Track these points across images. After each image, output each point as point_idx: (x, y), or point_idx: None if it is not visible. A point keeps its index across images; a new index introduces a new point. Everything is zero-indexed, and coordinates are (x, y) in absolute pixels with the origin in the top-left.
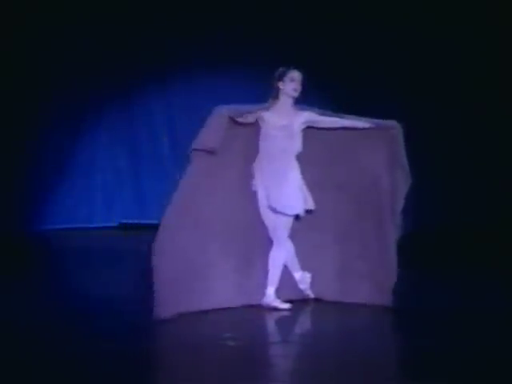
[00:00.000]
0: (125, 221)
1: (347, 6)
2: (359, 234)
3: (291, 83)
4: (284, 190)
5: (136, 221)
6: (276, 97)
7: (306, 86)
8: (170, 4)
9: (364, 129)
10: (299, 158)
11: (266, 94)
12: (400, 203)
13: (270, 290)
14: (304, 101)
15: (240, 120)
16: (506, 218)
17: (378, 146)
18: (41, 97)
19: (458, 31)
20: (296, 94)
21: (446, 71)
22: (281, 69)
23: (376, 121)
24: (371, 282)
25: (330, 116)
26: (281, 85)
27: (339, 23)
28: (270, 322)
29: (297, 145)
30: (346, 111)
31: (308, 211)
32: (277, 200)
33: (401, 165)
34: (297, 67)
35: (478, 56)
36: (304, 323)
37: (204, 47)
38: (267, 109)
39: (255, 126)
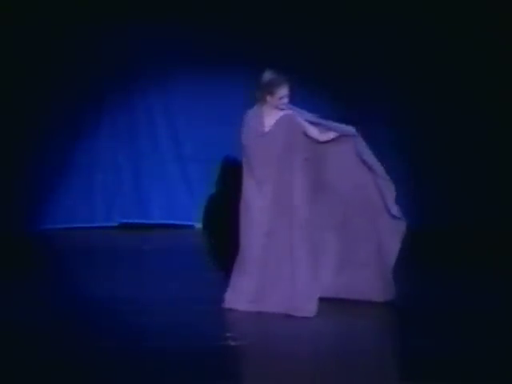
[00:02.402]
0: (125, 220)
1: (349, 5)
2: (355, 231)
3: (280, 100)
4: None
5: (137, 220)
6: (262, 102)
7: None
8: (171, 3)
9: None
10: None
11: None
12: (391, 199)
13: None
14: (303, 99)
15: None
16: (507, 218)
17: (346, 151)
18: (41, 97)
19: (458, 30)
20: (283, 107)
21: (445, 72)
22: (270, 76)
23: (339, 128)
24: (371, 277)
25: (309, 119)
26: (269, 98)
27: (340, 23)
28: (271, 321)
29: None
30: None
31: None
32: None
33: (375, 172)
34: (285, 74)
35: (478, 56)
36: (304, 322)
37: (204, 46)
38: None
39: None
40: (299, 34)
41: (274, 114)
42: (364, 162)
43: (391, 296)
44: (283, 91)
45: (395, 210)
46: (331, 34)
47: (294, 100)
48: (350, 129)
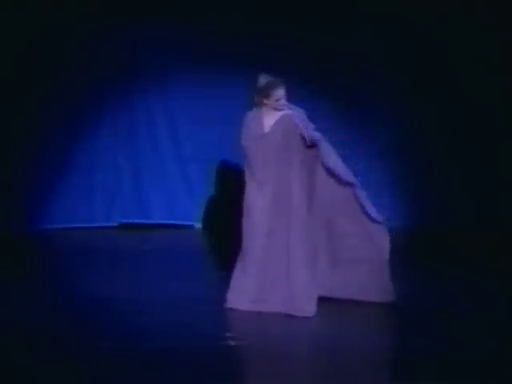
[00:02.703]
0: (125, 220)
1: (349, 5)
2: (342, 231)
3: (277, 102)
4: None
5: (137, 220)
6: (260, 105)
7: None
8: (171, 3)
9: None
10: None
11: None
12: (366, 202)
13: None
14: (303, 99)
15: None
16: (507, 218)
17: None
18: (41, 97)
19: (458, 30)
20: (283, 107)
21: (445, 72)
22: (264, 80)
23: (309, 132)
24: (366, 276)
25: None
26: (266, 101)
27: (339, 23)
28: (271, 321)
29: None
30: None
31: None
32: None
33: (341, 178)
34: (280, 76)
35: (478, 56)
36: (304, 322)
37: (204, 46)
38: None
39: None
40: (299, 33)
41: (273, 115)
42: (328, 170)
43: (390, 298)
44: (279, 93)
45: (374, 212)
46: (331, 33)
47: (294, 100)
48: (316, 134)
